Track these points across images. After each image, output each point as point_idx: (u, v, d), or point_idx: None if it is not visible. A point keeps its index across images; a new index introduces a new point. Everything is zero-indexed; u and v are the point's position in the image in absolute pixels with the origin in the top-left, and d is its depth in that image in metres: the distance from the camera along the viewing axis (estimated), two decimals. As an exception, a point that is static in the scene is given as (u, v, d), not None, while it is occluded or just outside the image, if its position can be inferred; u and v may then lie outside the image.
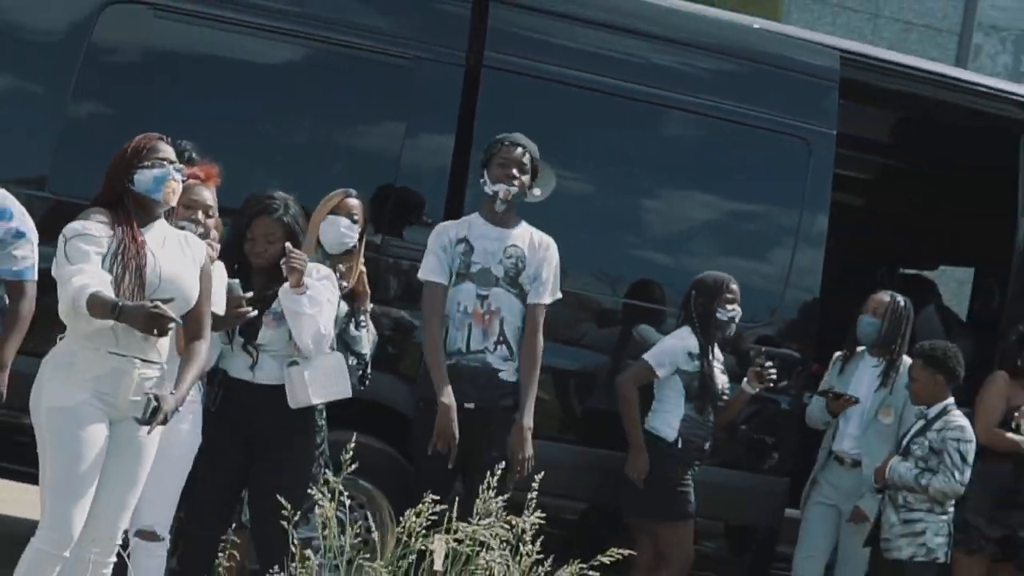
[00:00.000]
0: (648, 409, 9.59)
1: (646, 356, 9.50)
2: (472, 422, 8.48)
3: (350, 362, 8.18)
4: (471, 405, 8.51)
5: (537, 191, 8.83)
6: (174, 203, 6.83)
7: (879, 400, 9.94)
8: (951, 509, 9.47)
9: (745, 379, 9.68)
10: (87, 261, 6.44)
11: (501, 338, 8.66)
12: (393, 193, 9.34)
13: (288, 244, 7.61)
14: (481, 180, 8.76)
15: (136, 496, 6.83)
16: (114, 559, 6.80)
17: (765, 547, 10.30)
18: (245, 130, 9.39)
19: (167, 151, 6.75)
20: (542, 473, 7.43)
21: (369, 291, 8.40)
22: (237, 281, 7.59)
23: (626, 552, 7.14)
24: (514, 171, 8.62)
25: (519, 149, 8.66)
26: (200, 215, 7.61)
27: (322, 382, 7.78)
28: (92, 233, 6.52)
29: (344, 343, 8.18)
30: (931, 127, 12.38)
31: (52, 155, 8.79)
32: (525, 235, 8.78)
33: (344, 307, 8.20)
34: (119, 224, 6.61)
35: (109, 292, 6.35)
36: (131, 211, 6.67)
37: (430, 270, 8.61)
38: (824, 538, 10.05)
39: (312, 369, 7.73)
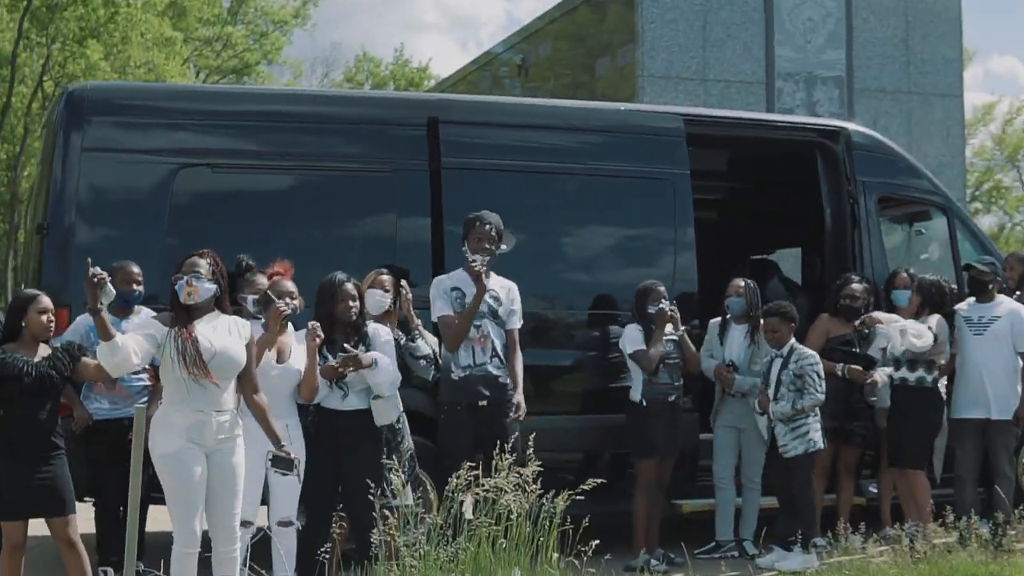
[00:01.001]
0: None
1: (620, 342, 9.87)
2: (484, 415, 8.78)
3: (420, 363, 8.66)
4: (483, 403, 8.78)
5: (504, 246, 9.08)
6: (192, 301, 6.98)
7: (750, 354, 10.28)
8: (817, 412, 9.77)
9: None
10: (136, 335, 6.92)
11: (494, 353, 8.91)
12: (393, 265, 9.43)
13: (346, 356, 7.93)
14: (463, 250, 8.98)
15: (239, 500, 7.12)
16: (238, 546, 7.11)
17: (690, 463, 10.58)
18: (285, 236, 9.51)
19: (192, 263, 7.03)
20: (533, 435, 7.63)
21: (415, 317, 8.76)
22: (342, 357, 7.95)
23: (600, 480, 7.36)
24: (486, 244, 8.89)
25: (487, 226, 8.91)
26: (287, 299, 8.00)
27: (394, 404, 8.20)
28: (147, 323, 7.10)
29: (408, 353, 8.57)
30: (760, 155, 12.74)
31: (158, 277, 8.91)
32: (497, 282, 9.02)
33: (401, 334, 8.58)
34: (176, 322, 6.97)
35: (132, 350, 6.84)
36: (186, 314, 6.99)
37: (440, 309, 8.88)
38: (731, 450, 10.33)
39: (389, 399, 8.12)
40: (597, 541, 7.02)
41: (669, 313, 9.71)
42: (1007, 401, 10.19)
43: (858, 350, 10.44)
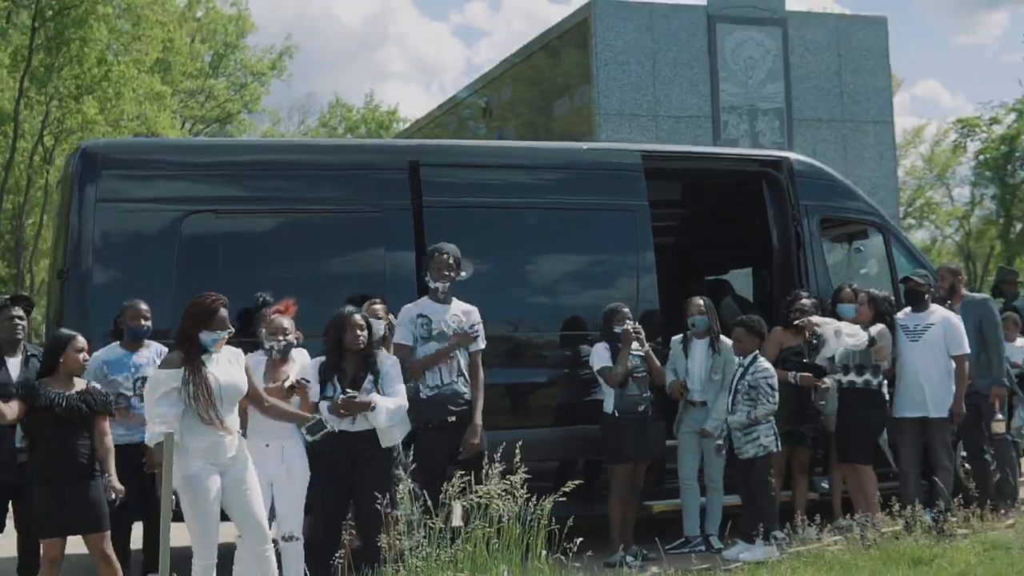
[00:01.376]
0: None
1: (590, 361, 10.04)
2: (455, 431, 8.89)
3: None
4: (453, 419, 8.91)
5: (464, 273, 9.26)
6: (219, 352, 7.19)
7: (710, 364, 10.46)
8: (772, 419, 9.97)
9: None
10: (161, 405, 7.00)
11: (459, 372, 9.04)
12: (384, 295, 9.53)
13: (347, 402, 8.02)
14: (425, 278, 9.20)
15: (259, 503, 7.31)
16: (270, 545, 7.29)
17: (659, 467, 10.77)
18: (285, 274, 9.67)
19: (223, 318, 7.18)
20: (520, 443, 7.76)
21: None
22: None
23: (579, 481, 7.57)
24: (445, 272, 9.08)
25: (446, 255, 9.11)
26: (280, 335, 8.22)
27: (400, 427, 8.35)
28: (162, 379, 7.07)
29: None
30: (713, 184, 12.97)
31: (171, 314, 8.95)
32: (459, 307, 9.17)
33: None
34: (189, 362, 7.08)
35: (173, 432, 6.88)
36: (196, 352, 7.12)
37: (402, 337, 8.99)
38: (694, 454, 10.50)
39: (397, 424, 8.26)
40: (580, 539, 7.21)
41: (633, 332, 9.86)
42: (942, 400, 10.44)
43: (808, 360, 10.65)
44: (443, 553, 6.93)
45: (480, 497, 7.01)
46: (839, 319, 10.60)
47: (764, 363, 10.05)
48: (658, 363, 10.24)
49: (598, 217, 10.75)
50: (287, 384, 8.00)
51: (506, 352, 10.12)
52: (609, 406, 9.94)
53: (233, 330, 7.29)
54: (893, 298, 10.87)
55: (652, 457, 10.27)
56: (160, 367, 7.25)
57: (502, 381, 9.84)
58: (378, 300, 8.99)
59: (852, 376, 10.33)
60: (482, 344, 9.16)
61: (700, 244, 14.23)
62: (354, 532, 7.99)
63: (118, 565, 7.78)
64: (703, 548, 10.21)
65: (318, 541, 8.01)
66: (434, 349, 8.99)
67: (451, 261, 9.08)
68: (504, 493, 7.03)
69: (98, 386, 7.97)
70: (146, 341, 8.94)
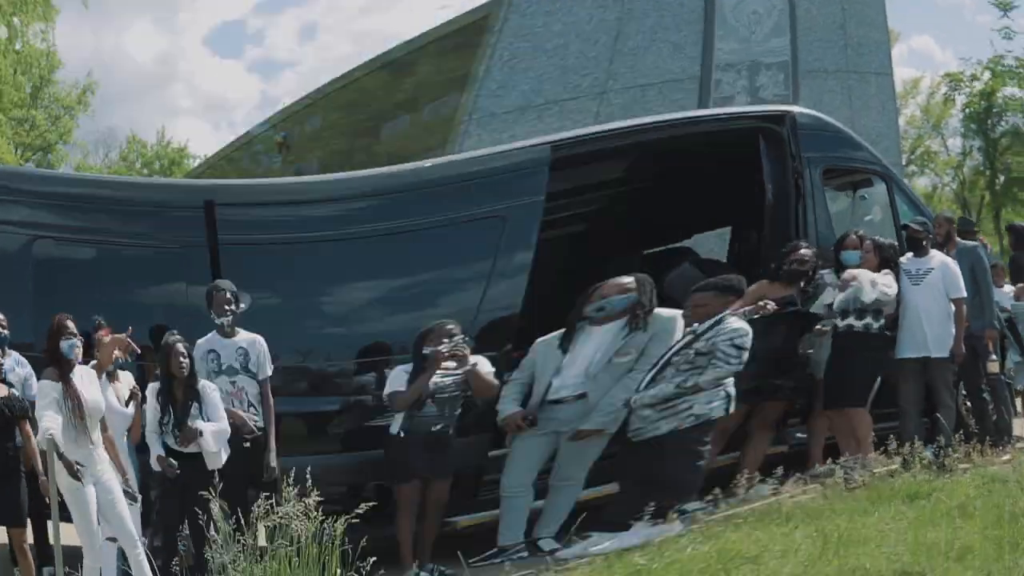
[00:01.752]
0: None
1: None
2: (252, 456, 9.19)
3: None
4: (247, 444, 9.11)
5: (243, 305, 9.74)
6: (78, 360, 8.55)
7: (616, 347, 9.79)
8: (728, 381, 9.73)
9: None
10: (48, 409, 7.87)
11: (249, 403, 9.33)
12: (187, 328, 9.83)
13: (184, 435, 8.95)
14: (210, 314, 9.89)
15: (126, 510, 7.96)
16: (141, 549, 8.10)
17: (470, 482, 10.53)
18: (105, 304, 9.24)
19: (70, 325, 8.34)
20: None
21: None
22: None
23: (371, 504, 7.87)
24: (225, 307, 9.88)
25: (223, 292, 9.97)
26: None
27: (224, 452, 9.06)
28: (47, 389, 7.99)
29: None
30: (678, 152, 12.53)
31: (31, 330, 9.47)
32: (244, 337, 9.84)
33: None
34: (62, 378, 8.28)
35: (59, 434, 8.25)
36: (65, 367, 8.17)
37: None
38: (539, 457, 9.86)
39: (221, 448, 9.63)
40: (374, 558, 7.82)
41: (448, 353, 9.97)
42: (943, 341, 11.36)
43: (802, 308, 11.05)
44: (256, 569, 7.68)
45: (280, 518, 7.59)
46: (842, 266, 11.14)
47: (734, 323, 10.11)
48: (487, 378, 10.36)
49: (431, 235, 10.72)
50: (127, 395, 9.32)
51: (299, 382, 10.55)
52: (395, 427, 10.31)
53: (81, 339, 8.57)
54: (897, 244, 11.70)
55: (451, 475, 10.41)
56: (42, 379, 8.44)
57: (293, 409, 10.23)
58: (175, 332, 9.60)
59: (851, 320, 10.69)
60: (269, 371, 10.07)
61: (659, 215, 14.00)
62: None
63: (32, 560, 9.10)
64: (525, 554, 10.16)
65: (157, 550, 9.03)
66: (225, 383, 9.71)
67: (228, 296, 10.17)
68: (301, 515, 7.66)
69: (16, 393, 9.07)
70: (7, 350, 9.77)
